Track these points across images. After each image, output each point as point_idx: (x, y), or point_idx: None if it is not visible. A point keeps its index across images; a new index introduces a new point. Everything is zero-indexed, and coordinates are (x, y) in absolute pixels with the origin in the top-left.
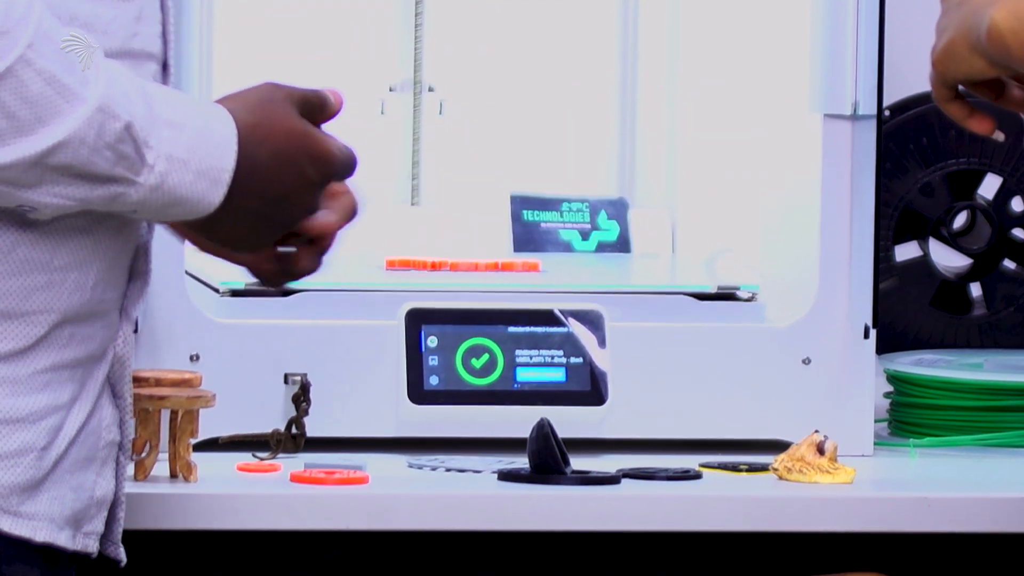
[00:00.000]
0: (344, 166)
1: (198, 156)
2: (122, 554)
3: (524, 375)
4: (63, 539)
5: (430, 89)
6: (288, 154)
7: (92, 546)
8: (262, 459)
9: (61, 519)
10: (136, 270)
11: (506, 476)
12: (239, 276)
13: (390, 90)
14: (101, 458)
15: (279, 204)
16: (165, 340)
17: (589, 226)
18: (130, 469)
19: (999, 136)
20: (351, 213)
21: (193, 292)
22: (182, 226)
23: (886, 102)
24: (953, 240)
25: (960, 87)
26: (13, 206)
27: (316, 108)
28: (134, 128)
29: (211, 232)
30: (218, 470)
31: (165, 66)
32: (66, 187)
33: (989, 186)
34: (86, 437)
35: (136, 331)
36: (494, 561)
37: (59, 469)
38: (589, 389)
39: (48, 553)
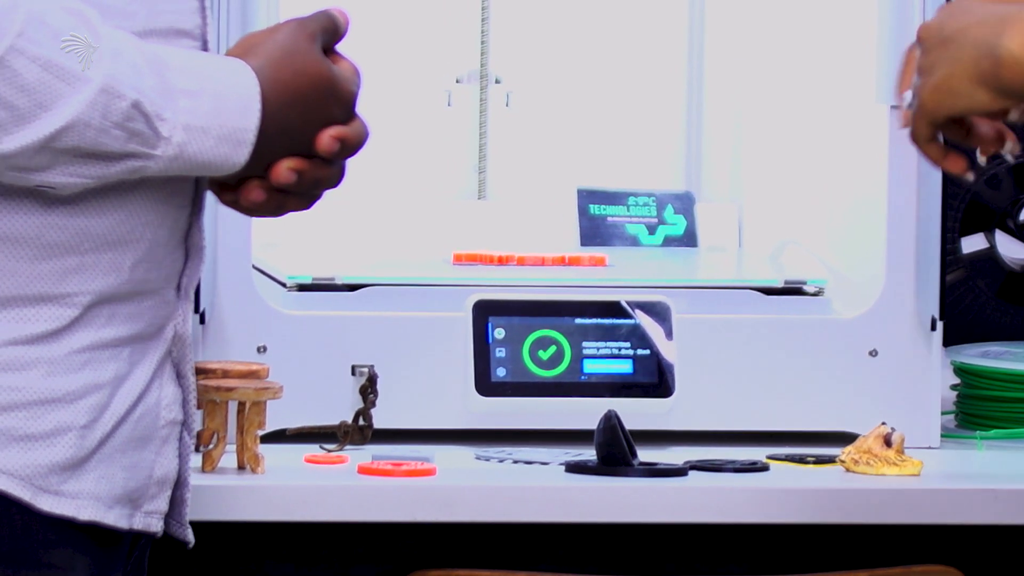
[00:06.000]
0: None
1: (218, 121)
2: (190, 535)
3: (591, 367)
4: (112, 518)
5: (497, 81)
6: (316, 103)
7: (155, 525)
8: (329, 451)
9: (110, 498)
10: (190, 247)
11: (573, 468)
12: (306, 270)
13: (457, 82)
14: (161, 437)
15: (304, 143)
16: (233, 332)
17: (656, 220)
18: (198, 459)
19: (970, 176)
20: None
21: (260, 285)
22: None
23: None
24: (1020, 232)
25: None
26: (32, 187)
27: (332, 35)
28: (143, 104)
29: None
30: (285, 462)
31: (205, 40)
32: (79, 167)
33: None
34: (141, 416)
35: (203, 322)
36: (561, 553)
37: (107, 447)
38: (656, 381)
39: (100, 535)
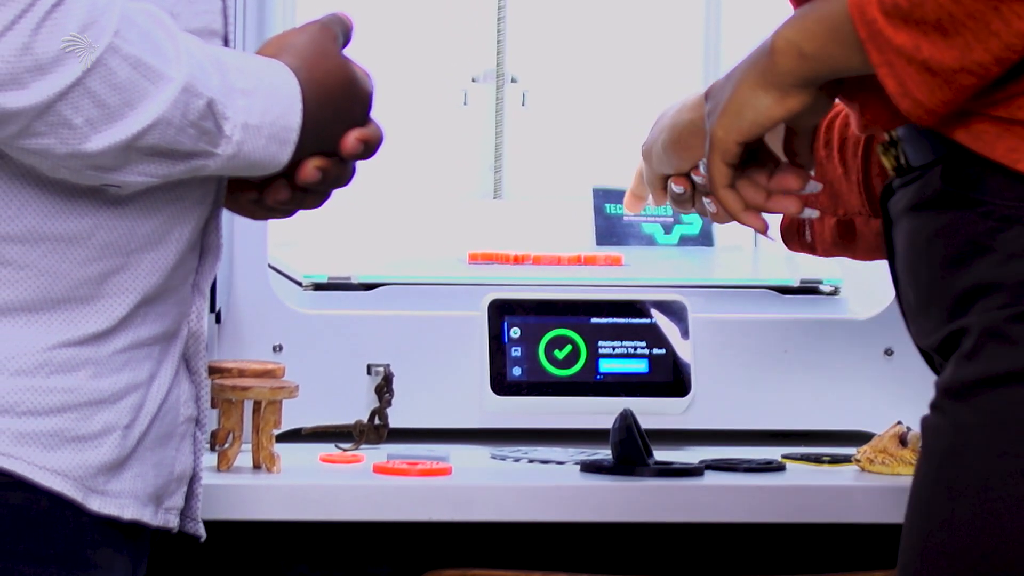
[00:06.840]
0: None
1: (269, 120)
2: (201, 530)
3: (607, 366)
4: (148, 515)
5: (513, 80)
6: (343, 103)
7: (173, 521)
8: (345, 450)
9: (145, 496)
10: (207, 244)
11: (589, 467)
12: (322, 269)
13: (473, 81)
14: (180, 433)
15: (329, 142)
16: (248, 331)
17: (671, 219)
18: (213, 459)
19: (771, 237)
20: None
21: (276, 284)
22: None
23: None
24: None
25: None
26: (98, 185)
27: (345, 38)
28: (215, 103)
29: None
30: (301, 461)
31: (225, 41)
32: (150, 165)
33: None
34: (165, 413)
35: (219, 321)
36: (576, 552)
37: (141, 446)
38: (672, 380)
39: (132, 533)
